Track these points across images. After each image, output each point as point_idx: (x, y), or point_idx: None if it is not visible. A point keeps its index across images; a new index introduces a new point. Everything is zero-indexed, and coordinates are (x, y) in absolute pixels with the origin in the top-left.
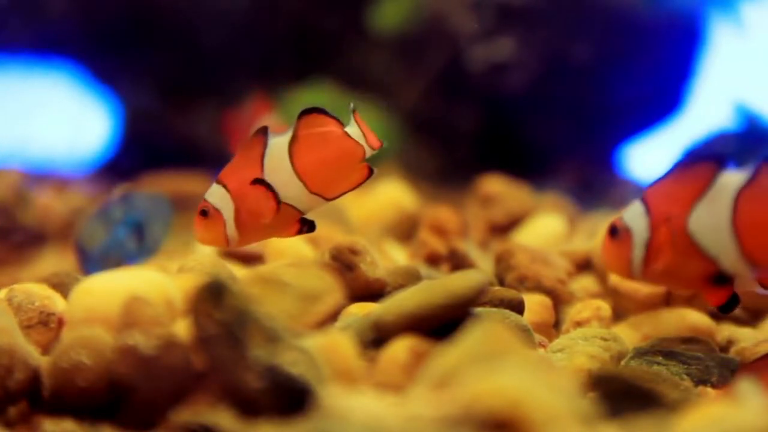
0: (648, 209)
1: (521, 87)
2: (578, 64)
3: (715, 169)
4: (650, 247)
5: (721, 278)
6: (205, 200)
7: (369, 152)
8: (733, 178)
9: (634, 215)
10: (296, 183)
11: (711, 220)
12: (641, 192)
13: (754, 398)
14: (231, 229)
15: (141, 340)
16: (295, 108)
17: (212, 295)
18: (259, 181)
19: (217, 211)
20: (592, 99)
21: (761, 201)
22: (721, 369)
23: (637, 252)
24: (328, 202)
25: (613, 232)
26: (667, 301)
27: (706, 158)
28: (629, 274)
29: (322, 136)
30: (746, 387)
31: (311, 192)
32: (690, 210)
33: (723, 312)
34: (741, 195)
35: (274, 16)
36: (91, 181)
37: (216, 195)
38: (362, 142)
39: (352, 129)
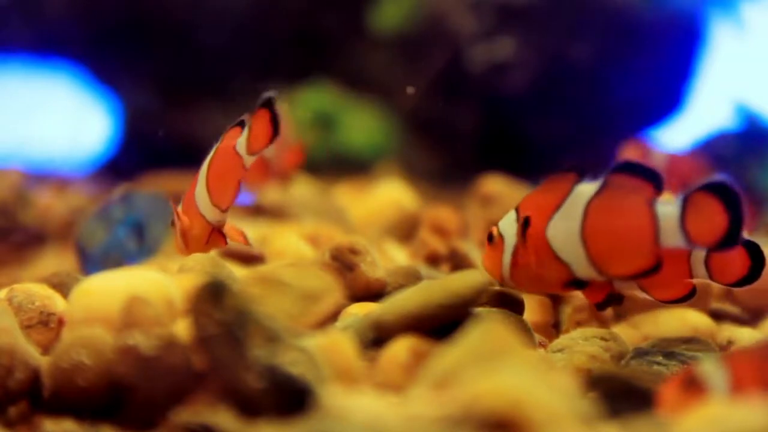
0: (518, 217)
1: (521, 87)
2: (578, 64)
3: (574, 180)
4: (515, 253)
5: (576, 283)
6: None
7: (249, 160)
8: (587, 189)
9: (507, 223)
10: (204, 195)
11: (565, 228)
12: None
13: (716, 378)
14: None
15: (141, 340)
16: (296, 108)
17: (212, 295)
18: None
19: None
20: (592, 99)
21: (606, 211)
22: None
23: (506, 257)
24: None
25: (489, 238)
26: None
27: (568, 169)
28: (501, 279)
29: (219, 150)
30: (708, 368)
31: (213, 204)
32: (549, 219)
33: (599, 309)
34: (590, 205)
35: (274, 16)
36: (91, 181)
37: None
38: (242, 151)
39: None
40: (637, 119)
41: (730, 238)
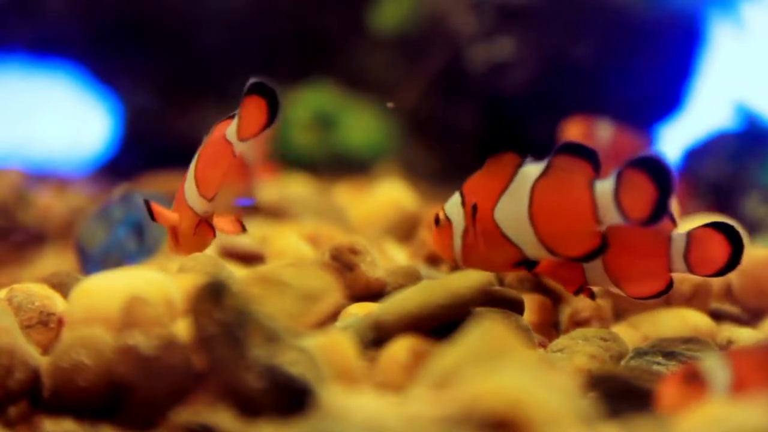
0: (463, 201)
1: (521, 87)
2: (578, 64)
3: (518, 162)
4: (465, 236)
5: (528, 263)
6: None
7: (239, 146)
8: (531, 170)
9: (452, 205)
10: (192, 187)
11: (513, 210)
12: None
13: (718, 375)
14: None
15: (141, 340)
16: (295, 108)
17: (212, 295)
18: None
19: None
20: (592, 99)
21: (551, 192)
22: None
23: (457, 240)
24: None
25: (436, 222)
26: (667, 301)
27: (509, 150)
28: (453, 260)
29: (208, 140)
30: (710, 365)
31: (200, 194)
32: (496, 201)
33: (575, 294)
34: (535, 186)
35: (274, 16)
36: (91, 181)
37: None
38: (233, 137)
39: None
40: (637, 119)
41: (658, 212)
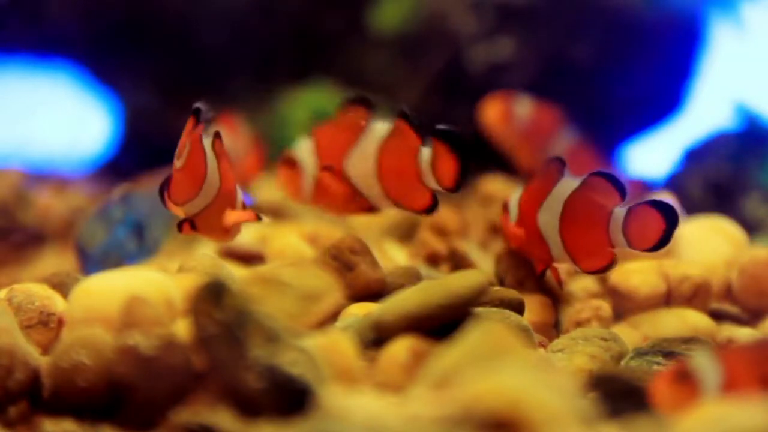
0: (316, 149)
1: (521, 87)
2: (578, 64)
3: (367, 118)
4: (317, 183)
5: (370, 209)
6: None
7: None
8: (380, 128)
9: (304, 150)
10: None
11: (362, 166)
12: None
13: (708, 373)
14: None
15: (141, 340)
16: (295, 108)
17: (212, 295)
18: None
19: None
20: (592, 99)
21: (393, 152)
22: None
23: (308, 184)
24: None
25: (286, 162)
26: (667, 301)
27: (358, 103)
28: (300, 199)
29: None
30: (701, 363)
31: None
32: (346, 157)
33: (427, 213)
34: (383, 145)
35: (274, 15)
36: (91, 181)
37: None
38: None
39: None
40: (637, 119)
41: (458, 180)
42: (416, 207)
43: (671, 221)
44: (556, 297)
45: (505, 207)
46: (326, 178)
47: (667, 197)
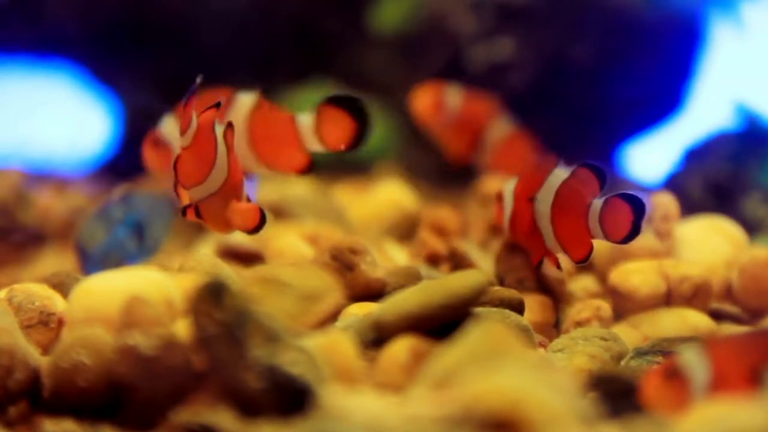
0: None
1: (521, 87)
2: (578, 64)
3: (232, 94)
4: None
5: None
6: None
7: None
8: (245, 100)
9: (169, 129)
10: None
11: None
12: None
13: (697, 369)
14: None
15: (141, 340)
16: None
17: (212, 295)
18: None
19: None
20: (592, 99)
21: (262, 123)
22: None
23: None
24: None
25: (154, 142)
26: (667, 301)
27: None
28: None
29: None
30: (689, 358)
31: None
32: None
33: (301, 174)
34: (251, 116)
35: (274, 15)
36: (91, 181)
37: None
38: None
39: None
40: (637, 119)
41: (357, 142)
42: (291, 169)
43: (638, 212)
44: (556, 297)
45: (500, 198)
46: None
47: (667, 197)
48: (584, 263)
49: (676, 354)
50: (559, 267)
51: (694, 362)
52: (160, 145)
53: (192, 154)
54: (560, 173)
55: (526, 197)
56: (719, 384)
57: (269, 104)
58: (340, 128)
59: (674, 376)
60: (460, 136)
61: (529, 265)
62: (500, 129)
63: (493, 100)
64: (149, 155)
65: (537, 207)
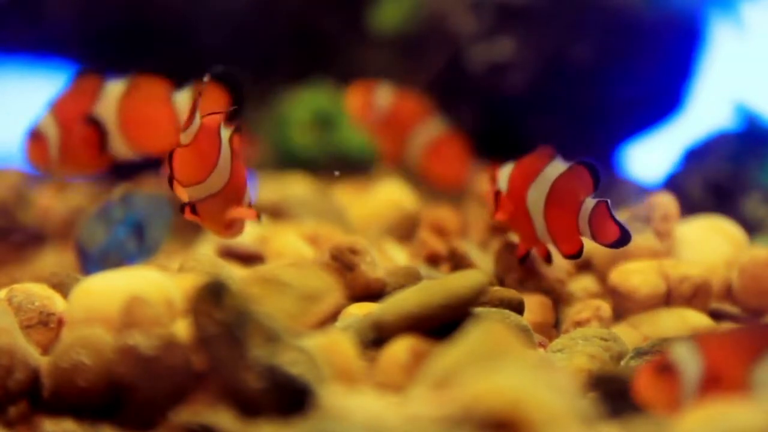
0: (58, 118)
1: (521, 87)
2: (578, 64)
3: (102, 78)
4: (63, 147)
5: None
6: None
7: None
8: (115, 87)
9: (47, 123)
10: None
11: (105, 120)
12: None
13: (689, 363)
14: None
15: (141, 340)
16: (295, 108)
17: (212, 295)
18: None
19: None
20: (592, 99)
21: (137, 104)
22: None
23: (54, 151)
24: None
25: (34, 136)
26: (667, 301)
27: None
28: (49, 169)
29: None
30: (681, 352)
31: None
32: (86, 113)
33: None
34: (121, 102)
35: (274, 16)
36: (91, 181)
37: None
38: None
39: None
40: (637, 119)
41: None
42: (158, 149)
43: (625, 237)
44: (556, 297)
45: (493, 179)
46: (80, 134)
47: (667, 197)
48: (574, 259)
49: (668, 349)
50: (549, 260)
51: (686, 357)
52: (40, 139)
53: (192, 152)
54: (558, 165)
55: (524, 184)
56: (711, 378)
57: (144, 88)
58: (215, 104)
59: (666, 370)
60: (389, 135)
61: (517, 257)
62: (429, 131)
63: (424, 102)
64: (29, 150)
65: (531, 196)
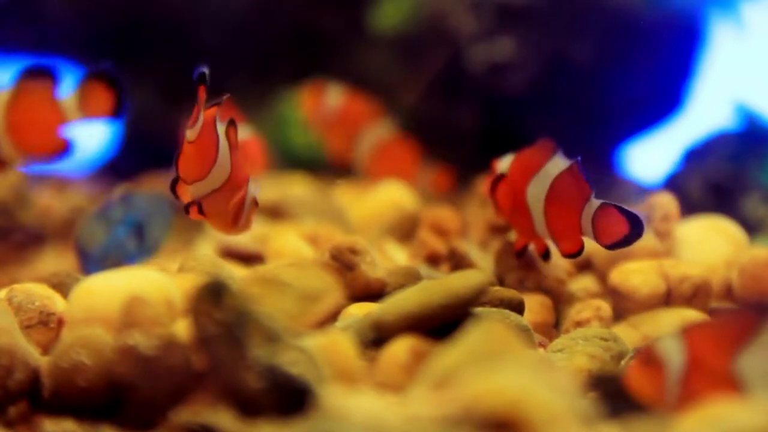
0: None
1: (521, 87)
2: (578, 64)
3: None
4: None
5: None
6: None
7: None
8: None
9: None
10: None
11: None
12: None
13: (673, 354)
14: None
15: (141, 340)
16: (295, 108)
17: (212, 295)
18: None
19: None
20: (592, 99)
21: (22, 107)
22: None
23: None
24: None
25: None
26: (667, 301)
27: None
28: None
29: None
30: (666, 344)
31: None
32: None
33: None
34: (11, 100)
35: (274, 16)
36: (91, 181)
37: None
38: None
39: None
40: (637, 119)
41: (118, 110)
42: (53, 151)
43: (636, 231)
44: (556, 297)
45: (493, 171)
46: None
47: (667, 197)
48: (574, 257)
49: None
50: (547, 257)
51: (671, 348)
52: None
53: (194, 149)
54: (559, 162)
55: (524, 179)
56: (694, 368)
57: (30, 91)
58: (101, 100)
59: (651, 362)
60: (338, 135)
61: (516, 253)
62: (378, 132)
63: (374, 103)
64: None
65: (531, 190)
